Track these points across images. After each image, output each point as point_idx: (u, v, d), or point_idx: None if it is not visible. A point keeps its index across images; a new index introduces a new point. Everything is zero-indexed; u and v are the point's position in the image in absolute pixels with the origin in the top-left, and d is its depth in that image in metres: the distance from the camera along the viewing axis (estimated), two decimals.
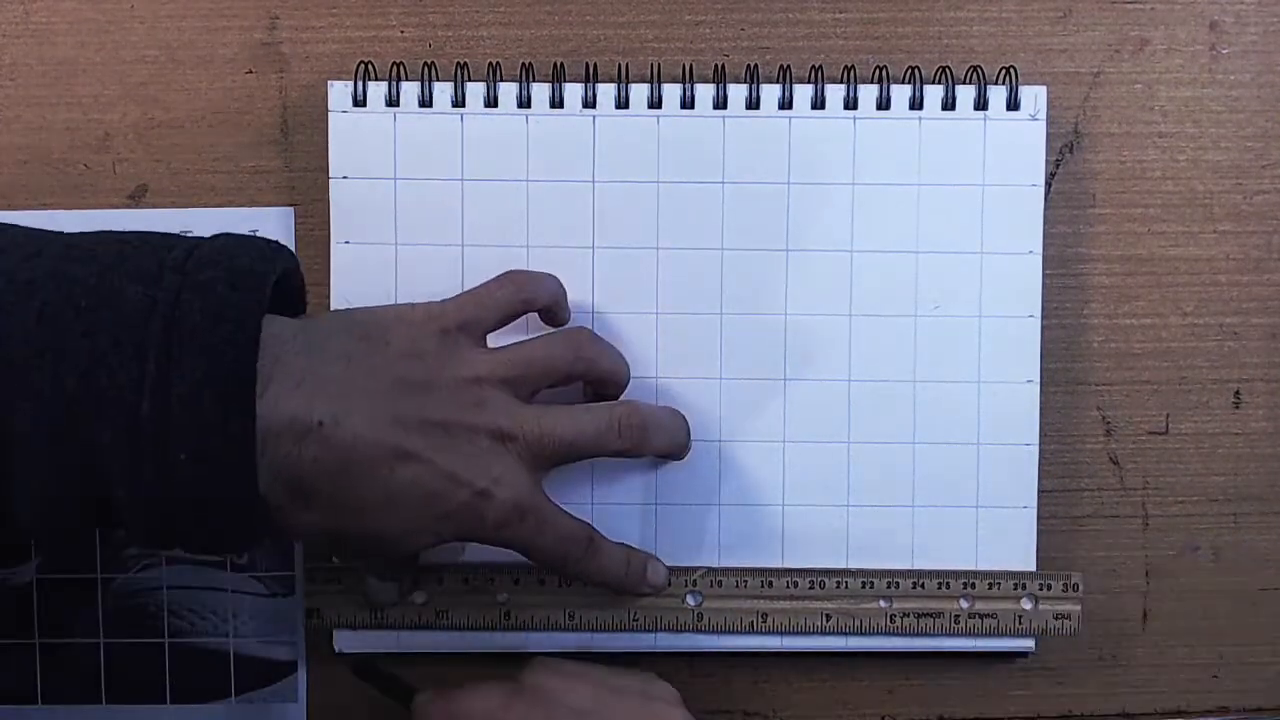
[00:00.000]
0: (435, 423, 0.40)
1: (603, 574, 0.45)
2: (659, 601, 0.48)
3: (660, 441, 0.46)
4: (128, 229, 0.39)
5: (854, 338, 0.48)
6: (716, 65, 0.48)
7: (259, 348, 0.37)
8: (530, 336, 0.45)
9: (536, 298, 0.45)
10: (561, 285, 0.47)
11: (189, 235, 0.39)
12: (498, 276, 0.45)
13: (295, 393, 0.38)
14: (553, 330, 0.46)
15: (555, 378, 0.44)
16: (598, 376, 0.46)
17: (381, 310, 0.43)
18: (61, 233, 0.39)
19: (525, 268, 0.47)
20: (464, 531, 0.42)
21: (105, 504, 0.37)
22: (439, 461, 0.40)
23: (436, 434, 0.40)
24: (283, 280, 0.39)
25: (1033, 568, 0.49)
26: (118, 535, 0.36)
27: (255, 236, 0.40)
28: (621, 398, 0.47)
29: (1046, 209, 0.48)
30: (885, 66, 0.48)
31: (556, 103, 0.48)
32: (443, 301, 0.44)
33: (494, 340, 0.44)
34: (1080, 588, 0.48)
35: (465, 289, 0.46)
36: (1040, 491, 0.49)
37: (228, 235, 0.40)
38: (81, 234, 0.39)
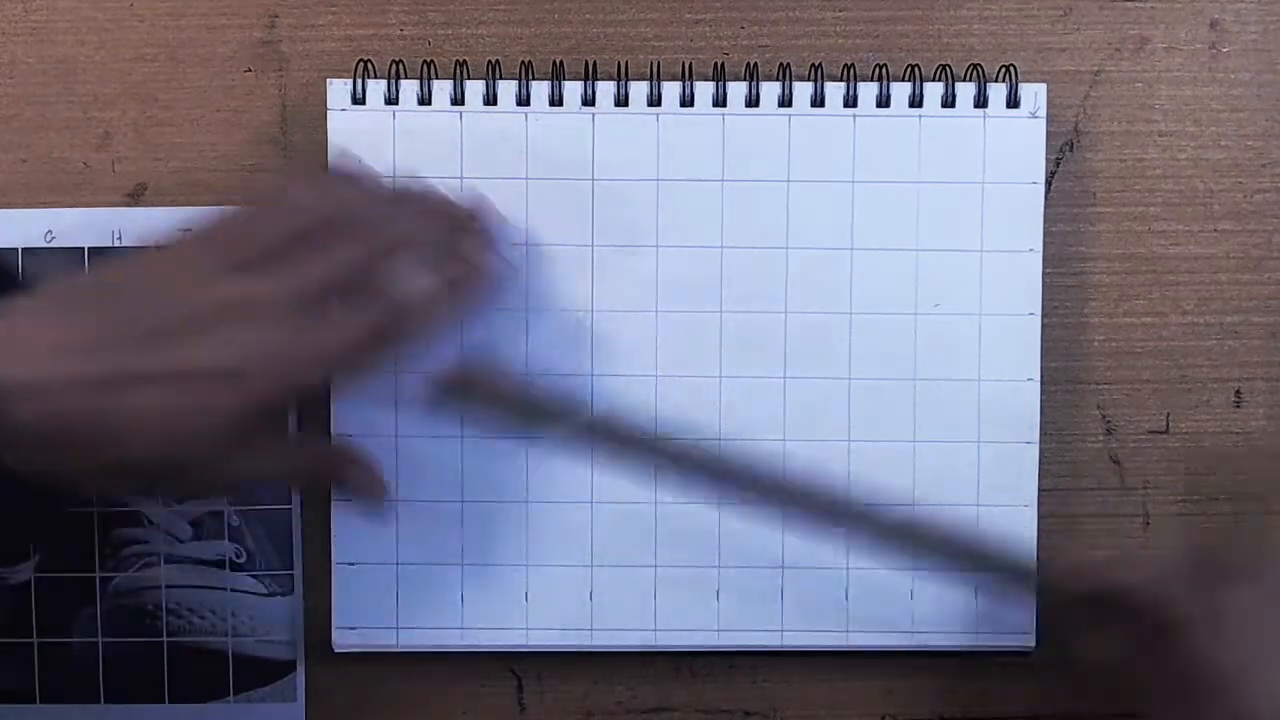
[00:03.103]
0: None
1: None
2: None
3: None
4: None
5: (854, 336, 0.48)
6: (716, 63, 0.48)
7: None
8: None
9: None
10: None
11: None
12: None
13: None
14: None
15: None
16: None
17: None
18: None
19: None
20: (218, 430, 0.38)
21: None
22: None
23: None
24: None
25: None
26: None
27: None
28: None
29: (1046, 207, 0.48)
30: (885, 64, 0.48)
31: (556, 101, 0.48)
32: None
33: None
34: None
35: None
36: (1040, 491, 0.49)
37: None
38: None
